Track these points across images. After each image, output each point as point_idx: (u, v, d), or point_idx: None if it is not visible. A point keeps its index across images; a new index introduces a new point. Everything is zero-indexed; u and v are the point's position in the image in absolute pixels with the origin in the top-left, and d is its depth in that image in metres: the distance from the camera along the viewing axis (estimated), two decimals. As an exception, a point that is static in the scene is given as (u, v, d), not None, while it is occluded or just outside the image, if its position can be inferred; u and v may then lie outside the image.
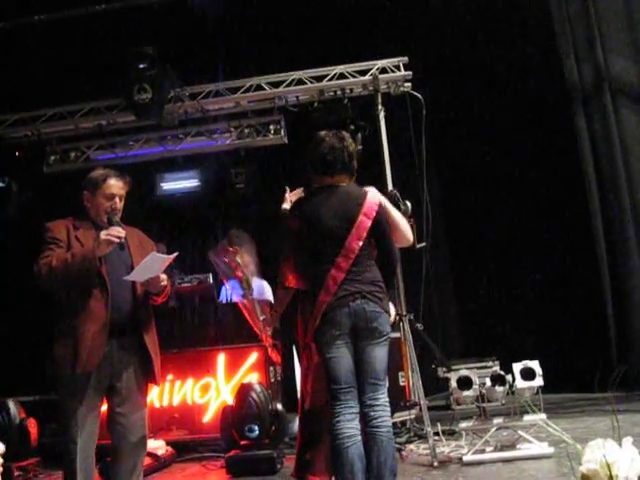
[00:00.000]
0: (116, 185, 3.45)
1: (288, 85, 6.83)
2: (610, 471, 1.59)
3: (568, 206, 7.96)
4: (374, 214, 3.42)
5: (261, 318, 3.91)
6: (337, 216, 3.42)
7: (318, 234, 3.43)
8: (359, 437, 3.26)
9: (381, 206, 3.48)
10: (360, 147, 6.77)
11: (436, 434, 5.30)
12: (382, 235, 3.49)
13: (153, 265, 3.31)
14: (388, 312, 3.45)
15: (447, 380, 7.73)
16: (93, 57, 7.05)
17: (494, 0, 7.70)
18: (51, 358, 3.30)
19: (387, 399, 3.37)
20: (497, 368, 6.86)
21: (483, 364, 7.17)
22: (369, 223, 3.39)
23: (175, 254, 3.40)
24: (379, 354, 3.35)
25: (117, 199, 3.44)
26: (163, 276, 3.42)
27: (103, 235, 3.26)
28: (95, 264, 3.26)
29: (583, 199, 7.77)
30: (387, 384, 3.46)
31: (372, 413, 3.29)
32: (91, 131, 7.12)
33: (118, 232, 3.29)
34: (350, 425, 3.25)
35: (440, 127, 7.07)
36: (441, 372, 7.65)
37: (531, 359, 4.81)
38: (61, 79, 7.15)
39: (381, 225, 3.46)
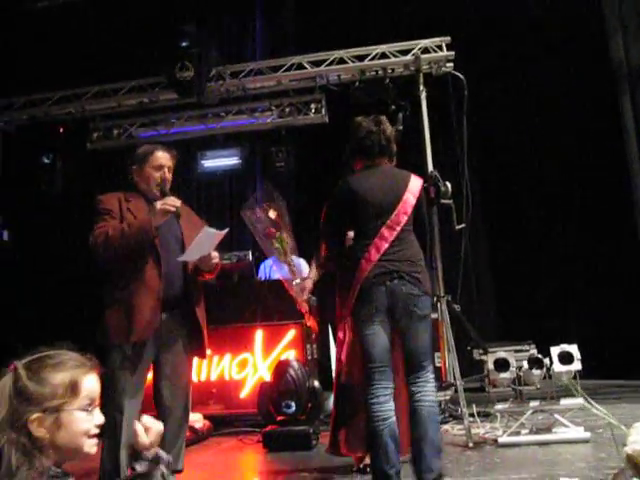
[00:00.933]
0: (164, 156, 3.51)
1: (329, 64, 6.82)
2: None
3: (611, 189, 7.82)
4: (418, 195, 3.49)
5: (295, 282, 3.88)
6: (383, 190, 3.48)
7: (365, 208, 3.46)
8: (393, 418, 3.31)
9: (421, 191, 3.54)
10: (401, 127, 6.75)
11: (471, 415, 5.30)
12: (422, 216, 3.55)
13: (205, 242, 3.35)
14: (428, 292, 3.44)
15: (482, 362, 7.75)
16: (135, 35, 7.11)
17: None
18: (103, 328, 3.33)
19: (432, 377, 3.41)
20: (534, 351, 6.84)
21: (520, 347, 7.17)
22: (414, 201, 3.45)
23: (226, 230, 3.42)
24: (421, 336, 3.38)
25: (166, 169, 3.50)
26: (214, 253, 3.46)
27: (159, 205, 3.30)
28: (152, 234, 3.29)
29: (627, 184, 7.63)
30: (432, 365, 3.47)
31: (414, 388, 3.35)
32: (133, 109, 7.21)
33: (174, 201, 3.33)
34: (384, 407, 3.30)
35: (482, 109, 7.00)
36: (477, 354, 7.65)
37: (569, 343, 4.78)
38: (104, 57, 7.24)
39: (422, 207, 3.53)
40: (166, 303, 3.36)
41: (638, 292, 7.46)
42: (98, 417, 1.79)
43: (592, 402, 1.85)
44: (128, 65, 7.13)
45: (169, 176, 3.51)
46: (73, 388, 1.74)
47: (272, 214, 3.92)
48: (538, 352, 5.06)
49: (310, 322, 5.83)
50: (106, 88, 7.15)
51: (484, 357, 7.77)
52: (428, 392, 3.35)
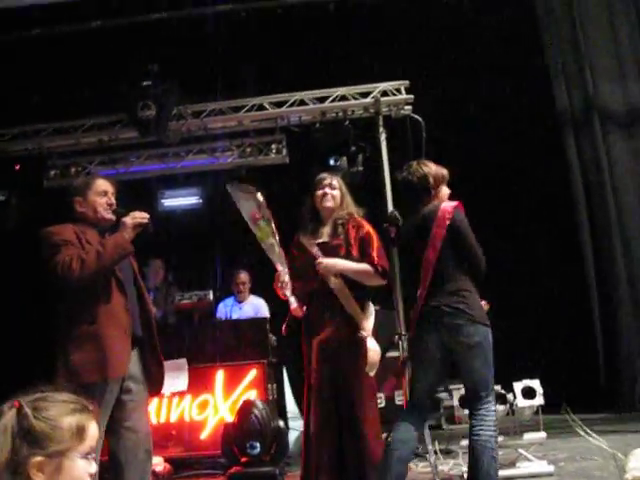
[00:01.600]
0: (105, 183, 3.43)
1: (290, 105, 6.92)
2: (656, 478, 1.65)
3: (559, 231, 8.13)
4: (447, 221, 3.54)
5: (280, 269, 3.76)
6: (417, 236, 3.63)
7: (410, 258, 3.69)
8: (400, 452, 3.41)
9: (456, 212, 3.60)
10: (361, 168, 6.91)
11: (434, 452, 5.34)
12: (458, 238, 3.57)
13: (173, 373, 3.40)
14: (473, 319, 3.43)
15: (439, 400, 7.86)
16: (96, 73, 7.09)
17: (488, 29, 7.91)
18: (68, 366, 3.13)
19: (492, 409, 3.42)
20: (497, 387, 6.97)
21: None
22: (443, 231, 3.52)
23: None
24: (473, 365, 3.42)
25: (110, 195, 3.39)
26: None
27: (129, 220, 3.23)
28: (129, 248, 3.22)
29: (573, 224, 7.95)
30: (493, 395, 3.48)
31: (473, 421, 3.42)
32: (92, 146, 7.14)
33: (142, 214, 3.27)
34: (395, 445, 3.42)
35: (437, 151, 7.20)
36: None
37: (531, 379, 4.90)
38: (63, 94, 7.19)
39: (455, 230, 3.56)
40: (132, 339, 3.28)
41: (588, 333, 7.72)
42: (93, 466, 1.69)
43: (591, 432, 1.91)
44: (88, 103, 7.11)
45: (114, 202, 3.40)
46: (80, 433, 1.65)
47: (260, 197, 3.84)
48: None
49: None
50: (65, 125, 7.07)
51: (440, 395, 7.92)
52: (485, 427, 3.37)
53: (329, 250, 3.82)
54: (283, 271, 3.74)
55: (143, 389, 3.36)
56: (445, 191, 3.82)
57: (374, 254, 3.80)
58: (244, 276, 7.11)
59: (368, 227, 3.93)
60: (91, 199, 3.36)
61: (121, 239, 3.20)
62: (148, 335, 3.40)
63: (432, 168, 3.82)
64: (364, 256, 3.81)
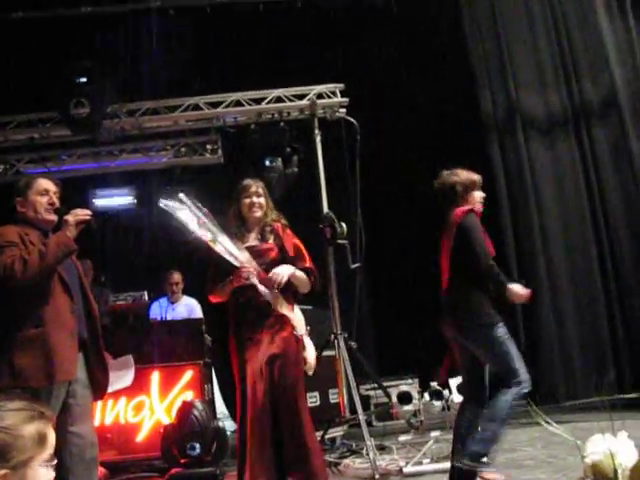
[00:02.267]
0: (47, 182, 3.36)
1: (226, 106, 6.94)
2: (614, 460, 1.79)
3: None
4: (454, 231, 3.79)
5: (240, 263, 3.75)
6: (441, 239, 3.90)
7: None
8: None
9: (465, 216, 3.80)
10: (296, 170, 6.99)
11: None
12: (460, 246, 3.78)
13: (118, 372, 3.40)
14: (475, 322, 3.71)
15: (368, 397, 8.03)
16: (26, 68, 6.87)
17: (418, 36, 8.15)
18: (13, 370, 3.04)
19: (507, 389, 3.69)
20: (416, 385, 7.20)
21: (403, 381, 7.49)
22: (451, 242, 3.77)
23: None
24: (486, 359, 3.77)
25: (52, 194, 3.32)
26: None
27: (71, 217, 3.18)
28: (72, 247, 3.16)
29: (497, 227, 8.24)
30: (515, 378, 3.70)
31: None
32: (22, 144, 6.93)
33: (84, 211, 3.23)
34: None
35: (369, 153, 7.36)
36: (363, 389, 7.93)
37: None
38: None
39: (461, 232, 3.77)
40: (78, 342, 3.22)
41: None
42: (52, 474, 1.65)
43: (550, 421, 2.05)
44: (18, 98, 6.88)
45: (57, 202, 3.33)
46: (42, 441, 1.60)
47: (190, 201, 3.81)
48: (420, 385, 5.35)
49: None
50: (-8, 122, 6.85)
51: (371, 392, 8.09)
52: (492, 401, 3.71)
53: (258, 254, 3.87)
54: (243, 267, 3.73)
55: (89, 393, 3.32)
56: (476, 196, 4.01)
57: (308, 262, 3.92)
58: (177, 276, 7.07)
59: (296, 238, 4.03)
60: (31, 199, 3.29)
61: (63, 237, 3.15)
62: (93, 338, 3.36)
63: (461, 176, 4.02)
64: (298, 263, 3.90)
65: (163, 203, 3.73)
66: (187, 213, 3.77)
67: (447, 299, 3.82)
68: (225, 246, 3.75)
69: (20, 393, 1.75)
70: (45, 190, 3.31)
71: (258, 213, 3.94)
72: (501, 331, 3.70)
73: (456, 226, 3.77)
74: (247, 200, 3.94)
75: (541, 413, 1.96)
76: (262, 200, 3.96)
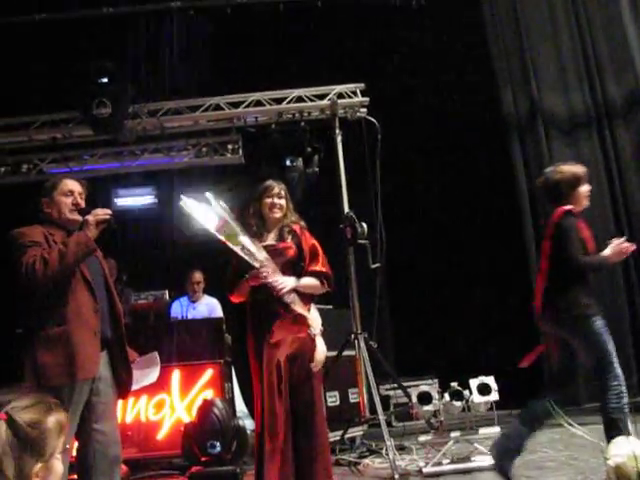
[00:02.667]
0: (73, 183, 3.39)
1: (247, 106, 6.95)
2: (637, 462, 1.77)
3: (505, 231, 8.39)
4: (553, 230, 3.88)
5: (257, 265, 3.74)
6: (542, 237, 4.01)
7: None
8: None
9: (563, 215, 3.87)
10: (317, 169, 6.99)
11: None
12: (557, 244, 3.88)
13: (145, 368, 3.44)
14: (572, 312, 3.81)
15: (388, 397, 8.01)
16: (49, 69, 6.94)
17: (440, 36, 8.13)
18: (36, 368, 3.08)
19: (611, 384, 3.74)
20: (437, 385, 7.17)
21: (423, 382, 7.47)
22: (550, 239, 3.87)
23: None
24: (582, 350, 3.85)
25: (77, 195, 3.36)
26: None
27: (91, 217, 3.20)
28: (92, 246, 3.19)
29: (518, 227, 8.21)
30: (610, 372, 3.76)
31: None
32: (45, 144, 7.01)
33: (104, 211, 3.25)
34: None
35: (390, 153, 7.35)
36: (383, 389, 7.91)
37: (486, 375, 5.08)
38: (16, 89, 7.01)
39: (558, 231, 3.86)
40: (102, 341, 3.25)
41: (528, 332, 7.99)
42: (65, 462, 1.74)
43: (573, 423, 2.03)
44: (41, 99, 6.95)
45: (82, 202, 3.37)
46: (61, 430, 1.66)
47: (214, 200, 3.81)
48: (440, 385, 5.31)
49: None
50: (17, 121, 6.92)
51: (391, 392, 8.08)
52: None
53: (276, 253, 3.88)
54: (262, 267, 3.73)
55: (112, 391, 3.34)
56: (582, 192, 4.03)
57: (321, 265, 3.90)
58: (199, 275, 7.11)
59: (313, 239, 4.01)
60: (57, 199, 3.33)
61: (83, 237, 3.17)
62: (117, 337, 3.38)
63: (565, 174, 4.03)
64: (310, 265, 3.90)
65: (183, 202, 3.73)
66: (207, 212, 3.77)
67: (545, 293, 3.90)
68: (245, 246, 3.75)
69: (32, 388, 1.78)
70: (70, 191, 3.35)
71: (278, 214, 3.95)
72: (599, 324, 3.78)
73: (554, 225, 3.87)
74: (268, 200, 3.95)
75: (564, 415, 1.95)
76: (283, 202, 3.98)
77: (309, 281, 3.86)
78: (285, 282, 3.74)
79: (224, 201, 3.82)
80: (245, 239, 3.77)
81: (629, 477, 1.77)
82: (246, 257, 3.68)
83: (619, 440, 1.87)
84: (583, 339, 3.80)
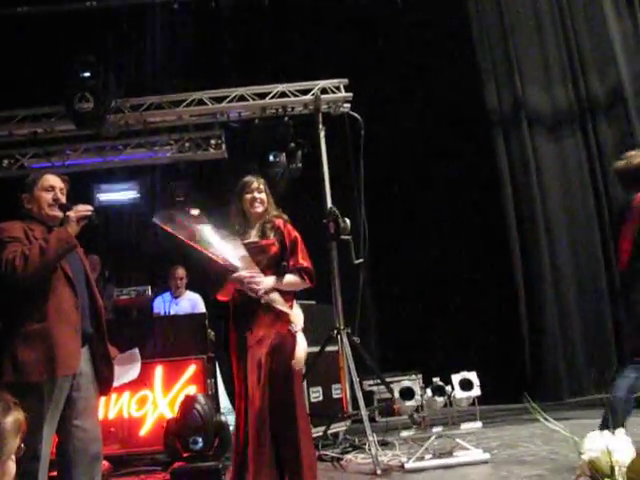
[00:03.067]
0: (54, 178, 3.38)
1: (230, 101, 6.91)
2: (611, 457, 1.78)
3: (488, 226, 8.43)
4: (637, 214, 3.92)
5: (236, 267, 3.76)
6: (618, 221, 4.16)
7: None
8: None
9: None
10: (300, 165, 6.98)
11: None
12: None
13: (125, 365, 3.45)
14: None
15: (371, 393, 8.03)
16: (31, 62, 6.89)
17: (423, 30, 8.14)
18: (15, 365, 3.06)
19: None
20: (420, 381, 7.18)
21: (406, 377, 7.49)
22: (634, 224, 3.92)
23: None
24: None
25: (58, 191, 3.35)
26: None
27: (73, 213, 3.20)
28: (73, 242, 3.19)
29: (502, 223, 8.26)
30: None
31: None
32: (26, 138, 6.94)
33: (85, 207, 3.25)
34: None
35: (373, 148, 7.35)
36: (366, 385, 7.93)
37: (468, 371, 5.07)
38: (-4, 83, 6.97)
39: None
40: (83, 337, 3.24)
41: (513, 328, 8.05)
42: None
43: (548, 417, 2.04)
44: (22, 93, 6.89)
45: (62, 198, 3.35)
46: (19, 430, 1.63)
47: (194, 211, 3.81)
48: (423, 381, 5.31)
49: None
50: (-4, 116, 6.86)
51: (374, 387, 8.10)
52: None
53: (258, 250, 3.88)
54: (240, 268, 3.73)
55: (94, 387, 3.34)
56: None
57: (300, 259, 3.89)
58: (181, 271, 7.08)
59: (295, 232, 4.00)
60: (37, 195, 3.32)
61: (64, 233, 3.17)
62: (99, 333, 3.37)
63: None
64: (291, 259, 3.90)
65: (155, 222, 3.74)
66: (180, 224, 3.76)
67: (623, 276, 3.94)
68: (220, 252, 3.76)
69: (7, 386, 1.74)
70: (51, 187, 3.34)
71: (259, 209, 3.94)
72: None
73: (638, 209, 3.89)
74: (248, 196, 3.94)
75: (539, 409, 1.96)
76: (263, 196, 3.97)
77: (289, 279, 3.85)
78: (263, 283, 3.74)
79: (204, 197, 3.83)
80: (220, 245, 3.77)
81: (603, 472, 1.77)
82: (221, 262, 3.69)
83: (593, 434, 1.87)
84: None
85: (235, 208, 4.01)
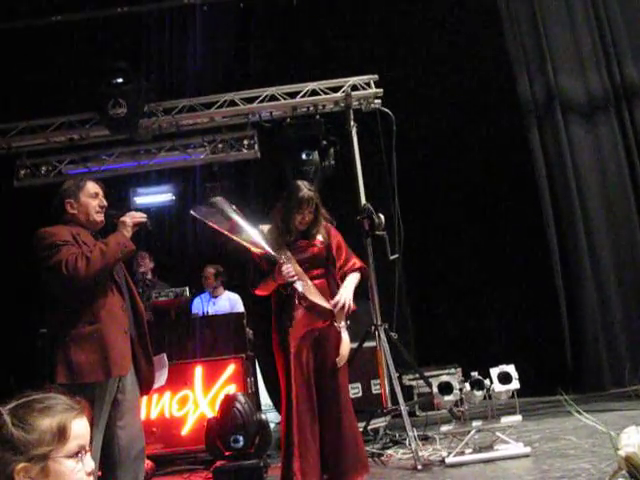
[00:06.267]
0: (95, 185, 3.45)
1: (261, 101, 6.97)
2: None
3: (524, 218, 8.33)
4: None
5: (280, 260, 3.79)
6: None
7: None
8: None
9: None
10: (333, 162, 6.99)
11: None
12: None
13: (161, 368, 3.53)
14: None
15: (411, 387, 8.02)
16: (65, 70, 7.01)
17: (452, 24, 8.07)
18: (70, 366, 3.12)
19: None
20: (459, 375, 7.13)
21: (446, 371, 7.46)
22: None
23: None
24: None
25: (101, 196, 3.42)
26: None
27: (128, 219, 3.29)
28: (131, 247, 3.27)
29: (538, 214, 8.15)
30: None
31: None
32: (63, 145, 7.08)
33: (140, 214, 3.34)
34: None
35: (406, 143, 7.33)
36: (406, 380, 7.92)
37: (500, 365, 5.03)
38: (33, 92, 7.08)
39: None
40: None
41: (554, 318, 7.95)
42: (89, 464, 1.68)
43: (581, 411, 2.02)
44: (58, 101, 7.02)
45: (105, 204, 3.43)
46: (61, 433, 1.63)
47: (224, 203, 3.82)
48: (463, 374, 5.27)
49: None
50: (34, 124, 7.00)
51: (414, 382, 8.08)
52: None
53: (300, 249, 3.94)
54: (284, 261, 3.77)
55: (136, 388, 3.39)
56: None
57: (355, 260, 4.01)
58: (210, 270, 7.17)
59: (339, 234, 4.08)
60: (83, 201, 3.37)
61: (122, 237, 3.25)
62: (140, 335, 3.43)
63: None
64: (341, 260, 3.99)
65: (194, 212, 3.76)
66: (218, 217, 3.78)
67: None
68: (263, 244, 3.79)
69: (55, 387, 1.77)
70: (95, 193, 3.41)
71: (303, 227, 3.98)
72: None
73: None
74: (299, 216, 3.97)
75: (572, 403, 1.95)
76: (312, 216, 3.98)
77: (355, 282, 4.00)
78: (347, 298, 3.88)
79: (239, 197, 3.87)
80: (259, 239, 3.79)
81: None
82: (264, 248, 3.72)
83: (629, 429, 1.86)
84: None
85: (282, 216, 4.01)
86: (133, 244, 3.29)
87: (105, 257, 3.18)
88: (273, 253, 3.76)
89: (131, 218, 3.31)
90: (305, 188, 3.99)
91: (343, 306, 3.87)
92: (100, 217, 3.39)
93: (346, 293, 3.90)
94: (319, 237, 3.98)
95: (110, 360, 3.16)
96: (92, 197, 3.40)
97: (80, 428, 1.68)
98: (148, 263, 6.99)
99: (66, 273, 3.12)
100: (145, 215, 3.37)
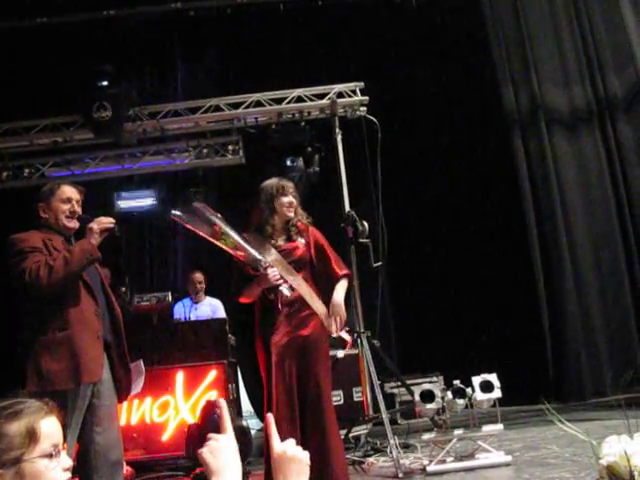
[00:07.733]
0: (71, 190, 3.39)
1: (247, 107, 6.96)
2: (629, 462, 1.77)
3: (507, 228, 8.39)
4: None
5: (264, 264, 3.76)
6: None
7: None
8: None
9: None
10: (317, 169, 7.00)
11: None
12: None
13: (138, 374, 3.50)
14: None
15: (393, 395, 8.02)
16: (49, 73, 6.96)
17: (438, 33, 8.12)
18: (40, 373, 3.09)
19: None
20: (440, 383, 7.14)
21: (428, 379, 7.48)
22: None
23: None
24: None
25: (74, 202, 3.36)
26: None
27: (95, 225, 3.23)
28: (97, 254, 3.22)
29: (522, 224, 8.20)
30: None
31: None
32: (46, 147, 7.03)
33: (108, 219, 3.28)
34: None
35: (390, 151, 7.35)
36: (387, 387, 7.92)
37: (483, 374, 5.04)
38: (16, 93, 7.04)
39: None
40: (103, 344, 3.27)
41: (535, 328, 7.99)
42: (65, 461, 1.67)
43: (563, 420, 2.03)
44: (42, 103, 6.97)
45: (79, 209, 3.38)
46: (31, 435, 1.62)
47: (204, 208, 3.78)
48: (445, 383, 5.26)
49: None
50: (18, 126, 6.95)
51: (395, 390, 8.08)
52: None
53: (285, 252, 3.91)
54: (269, 264, 3.75)
55: (113, 394, 3.36)
56: None
57: (340, 264, 3.97)
58: (199, 275, 7.13)
59: (321, 236, 4.04)
60: (54, 205, 3.33)
61: (88, 245, 3.19)
62: (117, 340, 3.40)
63: None
64: (323, 264, 3.95)
65: (174, 214, 3.72)
66: (199, 222, 3.75)
67: None
68: (247, 249, 3.77)
69: (22, 393, 1.77)
70: (68, 198, 3.36)
71: (292, 213, 3.96)
72: None
73: None
74: (285, 199, 3.94)
75: (554, 412, 1.95)
76: (295, 200, 3.99)
77: (344, 288, 3.95)
78: (340, 309, 3.85)
79: (222, 202, 3.85)
80: (240, 243, 3.77)
81: (621, 476, 1.76)
82: (248, 252, 3.71)
83: (611, 438, 1.86)
84: None
85: (268, 211, 4.00)
86: (99, 252, 3.22)
87: (69, 265, 3.14)
88: (258, 257, 3.75)
89: (98, 224, 3.25)
90: (274, 178, 4.02)
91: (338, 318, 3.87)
92: (71, 223, 3.35)
93: (338, 305, 3.88)
94: (300, 239, 3.97)
95: (81, 367, 3.12)
96: (64, 202, 3.34)
97: (50, 427, 1.67)
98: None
99: (29, 281, 3.10)
100: (113, 221, 3.30)
